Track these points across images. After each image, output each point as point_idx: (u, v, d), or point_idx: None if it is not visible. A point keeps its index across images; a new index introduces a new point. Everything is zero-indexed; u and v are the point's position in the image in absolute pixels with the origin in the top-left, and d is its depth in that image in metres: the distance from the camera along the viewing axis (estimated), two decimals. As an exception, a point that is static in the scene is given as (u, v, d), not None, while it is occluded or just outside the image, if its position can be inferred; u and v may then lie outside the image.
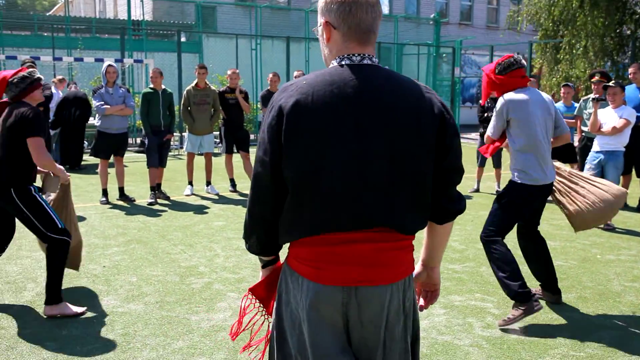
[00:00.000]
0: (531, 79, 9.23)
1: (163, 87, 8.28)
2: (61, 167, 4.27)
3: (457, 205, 1.86)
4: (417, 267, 2.02)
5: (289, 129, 1.66)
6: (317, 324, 1.73)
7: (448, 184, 1.82)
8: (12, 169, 4.03)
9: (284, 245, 1.87)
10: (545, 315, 4.11)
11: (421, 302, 2.05)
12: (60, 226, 4.04)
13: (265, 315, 2.00)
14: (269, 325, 1.94)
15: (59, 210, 4.32)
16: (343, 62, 1.73)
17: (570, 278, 4.96)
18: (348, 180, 1.66)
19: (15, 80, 4.08)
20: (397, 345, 1.77)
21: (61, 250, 4.02)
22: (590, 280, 4.91)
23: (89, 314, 4.04)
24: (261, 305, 1.97)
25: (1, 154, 4.04)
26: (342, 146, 1.65)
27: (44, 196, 4.21)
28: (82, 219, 6.78)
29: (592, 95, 7.54)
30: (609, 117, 6.69)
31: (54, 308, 4.01)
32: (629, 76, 8.27)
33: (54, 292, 4.02)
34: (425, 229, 1.92)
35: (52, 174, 4.32)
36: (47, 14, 30.08)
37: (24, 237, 5.98)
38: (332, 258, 1.70)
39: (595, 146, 6.87)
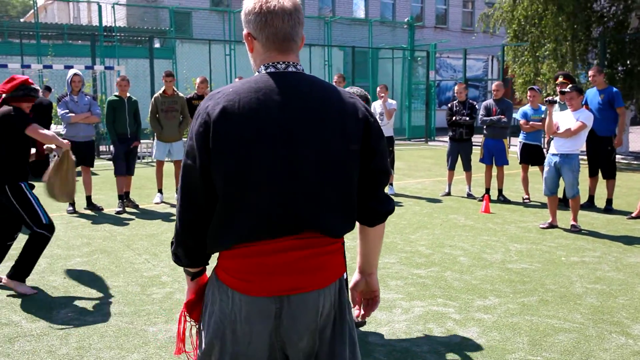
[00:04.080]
0: (502, 81, 9.32)
1: (128, 94, 8.20)
2: (55, 136, 4.73)
3: (386, 206, 1.85)
4: (355, 276, 1.99)
5: (215, 136, 1.64)
6: (250, 335, 1.70)
7: (376, 185, 1.82)
8: (6, 167, 4.51)
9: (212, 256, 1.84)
10: (506, 320, 4.12)
11: (362, 311, 2.02)
12: (44, 221, 4.54)
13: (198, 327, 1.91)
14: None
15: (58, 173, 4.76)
16: (268, 70, 1.74)
17: (533, 281, 4.97)
18: (275, 185, 1.65)
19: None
20: (325, 347, 1.77)
21: (40, 242, 4.55)
22: (553, 283, 4.93)
23: (44, 328, 3.95)
24: (192, 320, 1.91)
25: None
26: (268, 152, 1.64)
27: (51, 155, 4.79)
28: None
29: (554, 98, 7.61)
30: (567, 120, 6.71)
31: (14, 283, 4.54)
32: (589, 79, 8.33)
33: (21, 272, 4.55)
34: (358, 235, 1.93)
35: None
36: (21, 20, 29.69)
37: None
38: (261, 269, 1.68)
39: (552, 148, 6.86)
